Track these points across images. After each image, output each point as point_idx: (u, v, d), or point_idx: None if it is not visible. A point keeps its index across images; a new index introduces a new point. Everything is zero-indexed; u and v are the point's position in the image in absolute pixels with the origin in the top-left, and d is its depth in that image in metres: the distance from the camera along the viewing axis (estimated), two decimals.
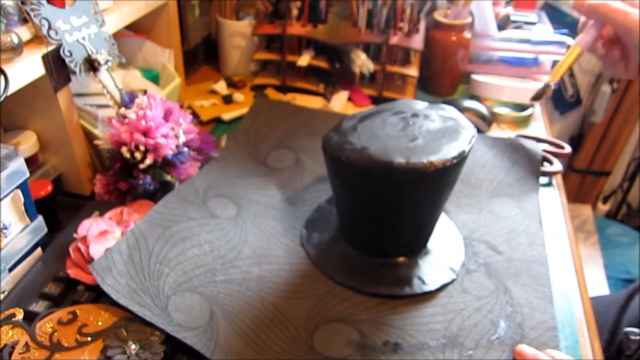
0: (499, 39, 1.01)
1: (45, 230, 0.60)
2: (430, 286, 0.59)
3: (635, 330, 0.67)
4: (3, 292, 0.54)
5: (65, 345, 0.48)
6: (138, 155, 0.63)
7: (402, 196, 0.56)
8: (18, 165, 0.54)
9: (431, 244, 0.64)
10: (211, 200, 0.67)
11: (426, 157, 0.53)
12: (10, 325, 0.50)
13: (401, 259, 0.62)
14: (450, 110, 0.61)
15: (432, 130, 0.57)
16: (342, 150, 0.56)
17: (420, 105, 0.62)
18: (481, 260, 0.63)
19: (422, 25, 0.95)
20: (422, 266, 0.62)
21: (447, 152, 0.54)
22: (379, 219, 0.60)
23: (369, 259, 0.62)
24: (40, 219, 0.59)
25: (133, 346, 0.48)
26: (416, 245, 0.63)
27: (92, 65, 0.64)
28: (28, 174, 0.56)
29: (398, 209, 0.58)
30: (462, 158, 0.54)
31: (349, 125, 0.60)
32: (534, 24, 1.10)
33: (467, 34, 0.97)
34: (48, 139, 0.68)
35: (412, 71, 0.96)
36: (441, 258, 0.63)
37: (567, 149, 0.82)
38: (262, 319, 0.55)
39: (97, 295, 0.54)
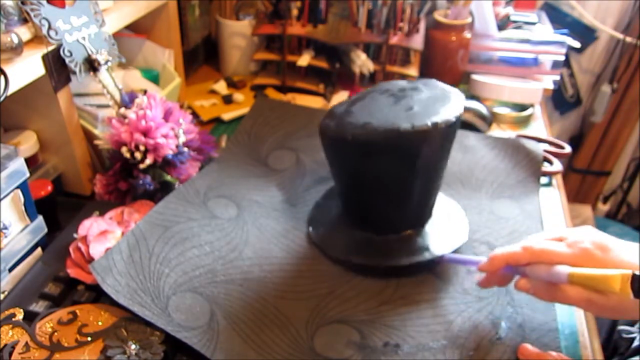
0: (499, 39, 1.01)
1: (45, 230, 0.60)
2: (446, 249, 0.60)
3: (628, 328, 0.67)
4: (3, 292, 0.54)
5: (65, 345, 0.48)
6: (138, 155, 0.62)
7: (409, 162, 0.57)
8: (18, 165, 0.54)
9: (435, 213, 0.65)
10: (212, 200, 0.67)
11: (429, 119, 0.54)
12: (10, 325, 0.50)
13: (409, 231, 0.63)
14: (432, 82, 0.63)
15: (424, 98, 0.59)
16: (345, 131, 0.56)
17: (403, 82, 0.64)
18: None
19: (422, 25, 0.95)
20: (431, 234, 0.63)
21: (446, 113, 0.55)
22: (387, 192, 0.60)
23: (379, 237, 0.63)
24: (40, 219, 0.59)
25: (133, 346, 0.48)
26: (423, 216, 0.64)
27: (92, 65, 0.64)
28: (28, 174, 0.56)
29: (406, 177, 0.59)
30: (460, 118, 0.57)
31: (341, 110, 0.61)
32: (534, 24, 1.10)
33: (467, 34, 0.97)
34: (48, 139, 0.68)
35: (412, 71, 0.96)
36: (447, 224, 0.64)
37: (567, 149, 0.82)
38: (263, 319, 0.55)
39: (97, 295, 0.54)
